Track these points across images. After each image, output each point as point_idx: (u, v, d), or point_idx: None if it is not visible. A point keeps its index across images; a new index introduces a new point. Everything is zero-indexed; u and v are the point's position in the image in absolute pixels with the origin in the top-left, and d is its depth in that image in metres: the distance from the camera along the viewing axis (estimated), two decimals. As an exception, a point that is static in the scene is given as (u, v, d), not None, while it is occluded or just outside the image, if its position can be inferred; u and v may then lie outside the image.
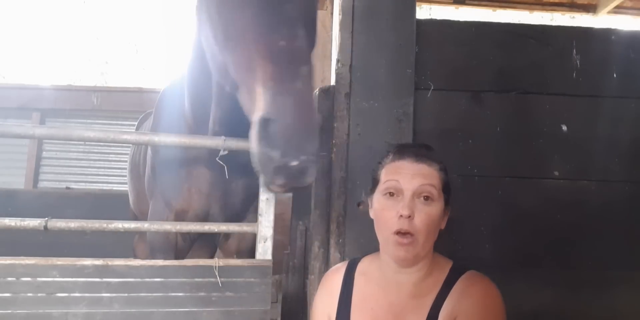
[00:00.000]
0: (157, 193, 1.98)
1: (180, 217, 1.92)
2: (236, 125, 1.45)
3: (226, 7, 1.15)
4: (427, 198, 1.13)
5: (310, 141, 0.97)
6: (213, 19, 1.21)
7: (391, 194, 1.15)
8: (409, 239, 1.11)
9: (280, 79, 0.96)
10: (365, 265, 1.29)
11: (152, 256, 1.98)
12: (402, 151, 1.20)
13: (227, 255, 2.08)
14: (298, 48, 1.02)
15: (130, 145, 3.31)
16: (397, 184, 1.14)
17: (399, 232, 1.11)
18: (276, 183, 1.00)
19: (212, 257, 2.24)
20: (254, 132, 0.99)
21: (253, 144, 1.00)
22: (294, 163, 0.95)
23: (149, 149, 2.04)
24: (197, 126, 1.73)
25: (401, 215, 1.10)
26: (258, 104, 0.98)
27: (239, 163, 1.33)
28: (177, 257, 1.92)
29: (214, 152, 1.55)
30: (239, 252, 2.02)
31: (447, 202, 1.18)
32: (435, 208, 1.14)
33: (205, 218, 1.95)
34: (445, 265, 1.21)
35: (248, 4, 1.08)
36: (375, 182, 1.23)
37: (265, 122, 0.95)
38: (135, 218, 3.20)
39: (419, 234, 1.11)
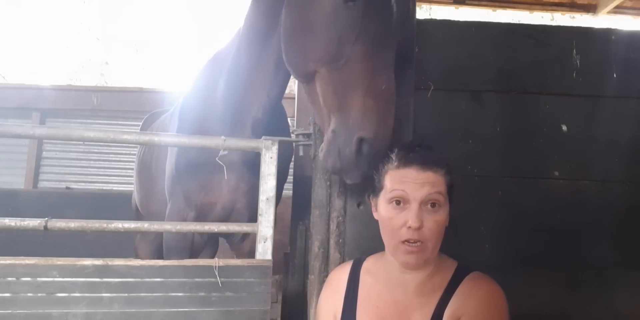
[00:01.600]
0: (178, 192, 1.97)
1: (205, 212, 1.93)
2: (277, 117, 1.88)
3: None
4: (434, 205, 1.13)
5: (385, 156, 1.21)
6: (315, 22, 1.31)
7: (398, 203, 1.14)
8: (418, 247, 1.11)
9: (381, 109, 1.22)
10: (370, 265, 1.30)
11: (168, 255, 1.98)
12: (406, 158, 1.17)
13: (240, 256, 2.07)
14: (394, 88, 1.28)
15: (137, 146, 3.30)
16: (404, 194, 1.13)
17: (408, 241, 1.11)
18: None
19: (213, 257, 2.25)
20: (339, 142, 1.24)
21: (330, 156, 1.26)
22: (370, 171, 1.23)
23: (170, 149, 2.04)
24: (232, 118, 1.79)
25: (410, 227, 1.10)
26: (353, 122, 1.21)
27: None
28: (191, 256, 1.92)
29: (242, 152, 1.66)
30: (251, 254, 2.01)
31: (450, 201, 1.18)
32: (443, 214, 1.14)
33: (230, 212, 1.95)
34: (451, 266, 1.21)
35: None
36: (379, 186, 1.21)
37: (360, 142, 1.21)
38: (138, 218, 3.20)
39: (429, 242, 1.11)
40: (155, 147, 2.41)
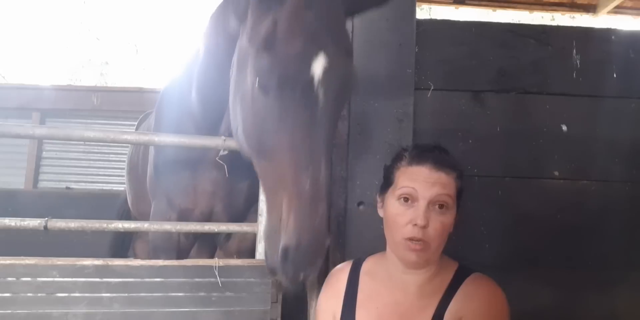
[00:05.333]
0: (161, 193, 1.97)
1: (184, 216, 1.92)
2: None
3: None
4: (442, 206, 1.13)
5: (318, 258, 1.07)
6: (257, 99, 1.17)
7: (406, 200, 1.14)
8: (421, 245, 1.11)
9: (304, 212, 1.05)
10: (370, 265, 1.30)
11: (155, 256, 1.98)
12: (420, 156, 1.17)
13: (228, 255, 2.07)
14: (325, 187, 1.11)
15: (129, 145, 3.31)
16: (413, 192, 1.13)
17: (412, 239, 1.11)
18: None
19: (212, 257, 2.24)
20: (271, 251, 1.10)
21: (268, 257, 1.12)
22: (300, 276, 1.07)
23: (151, 149, 2.03)
24: (206, 125, 1.72)
25: (416, 224, 1.10)
26: (277, 225, 1.08)
27: (243, 163, 1.34)
28: (179, 257, 1.92)
29: (218, 151, 1.55)
30: (239, 253, 2.02)
31: (458, 206, 1.18)
32: (450, 216, 1.14)
33: (209, 217, 1.95)
34: (451, 267, 1.21)
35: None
36: (388, 182, 1.21)
37: (285, 251, 1.05)
38: (132, 218, 3.20)
39: (432, 242, 1.12)
40: (142, 148, 2.41)
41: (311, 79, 1.09)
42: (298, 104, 1.09)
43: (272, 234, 1.10)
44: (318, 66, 1.09)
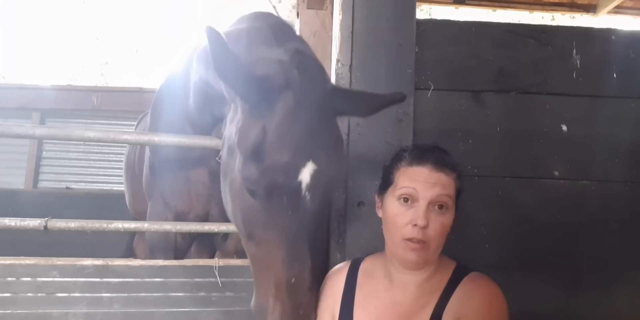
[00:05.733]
0: (157, 194, 1.97)
1: (180, 218, 1.92)
2: None
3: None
4: (441, 207, 1.13)
5: None
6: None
7: (406, 200, 1.14)
8: (421, 244, 1.11)
9: (289, 305, 1.08)
10: (368, 265, 1.29)
11: (152, 256, 1.98)
12: (421, 156, 1.17)
13: (226, 256, 2.07)
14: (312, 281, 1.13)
15: (127, 145, 3.31)
16: (413, 192, 1.13)
17: (411, 239, 1.11)
18: None
19: (211, 257, 2.24)
20: None
21: None
22: None
23: (147, 148, 2.03)
24: (202, 125, 1.72)
25: (416, 225, 1.10)
26: (263, 311, 1.11)
27: None
28: (176, 257, 1.92)
29: (214, 153, 1.55)
30: (237, 253, 2.02)
31: (456, 206, 1.18)
32: (449, 217, 1.14)
33: (205, 219, 1.94)
34: (449, 266, 1.21)
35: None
36: (388, 182, 1.21)
37: None
38: (134, 218, 3.20)
39: (432, 242, 1.12)
40: (138, 147, 2.42)
41: (299, 185, 1.09)
42: (286, 208, 1.09)
43: (259, 311, 1.13)
44: (306, 174, 1.09)
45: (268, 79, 1.13)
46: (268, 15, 1.68)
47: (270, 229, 1.11)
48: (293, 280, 1.08)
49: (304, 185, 1.09)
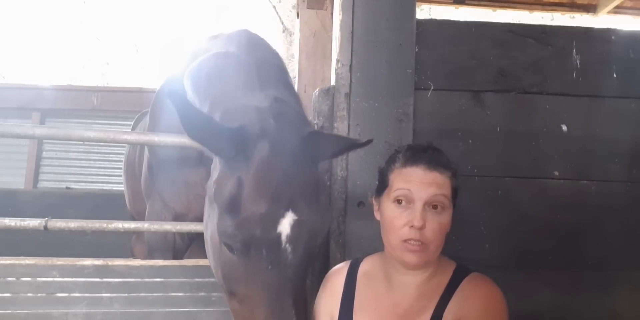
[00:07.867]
0: (155, 194, 1.97)
1: (179, 219, 1.92)
2: None
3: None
4: (438, 207, 1.12)
5: None
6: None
7: (400, 202, 1.13)
8: (420, 246, 1.10)
9: None
10: (367, 266, 1.29)
11: (150, 256, 1.98)
12: (414, 157, 1.16)
13: None
14: None
15: (126, 145, 3.32)
16: (408, 193, 1.12)
17: (409, 241, 1.11)
18: None
19: (210, 258, 2.25)
20: None
21: None
22: None
23: (146, 148, 2.03)
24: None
25: (412, 226, 1.09)
26: None
27: None
28: (174, 258, 1.92)
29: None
30: None
31: (454, 206, 1.17)
32: (446, 216, 1.13)
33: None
34: (449, 267, 1.20)
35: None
36: (383, 185, 1.20)
37: None
38: (133, 218, 3.21)
39: (431, 243, 1.11)
40: (138, 147, 2.42)
41: (278, 237, 1.05)
42: (265, 263, 1.05)
43: None
44: (286, 225, 1.05)
45: (243, 130, 1.11)
46: (258, 42, 1.66)
47: (251, 285, 1.07)
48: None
49: (283, 237, 1.05)
